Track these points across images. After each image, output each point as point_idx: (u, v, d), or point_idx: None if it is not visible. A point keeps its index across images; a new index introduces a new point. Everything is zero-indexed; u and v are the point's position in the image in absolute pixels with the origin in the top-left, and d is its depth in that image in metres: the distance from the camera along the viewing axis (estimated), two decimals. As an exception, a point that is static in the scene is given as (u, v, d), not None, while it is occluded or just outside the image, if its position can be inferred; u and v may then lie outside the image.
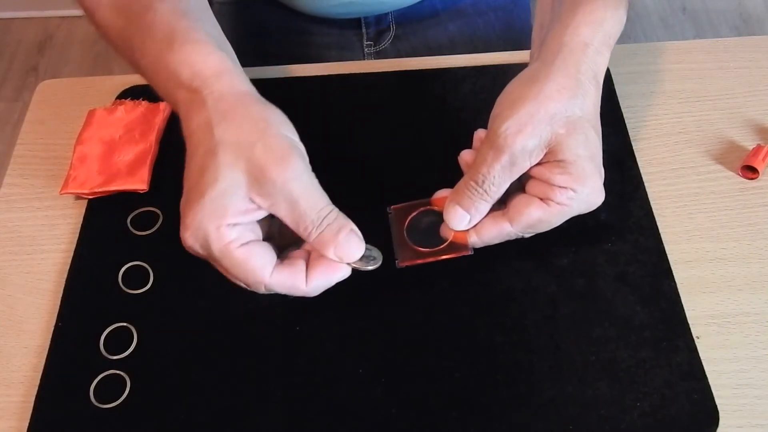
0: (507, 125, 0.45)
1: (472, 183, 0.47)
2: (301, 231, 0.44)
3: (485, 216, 0.48)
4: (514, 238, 0.49)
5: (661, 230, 0.54)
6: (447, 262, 0.51)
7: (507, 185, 0.47)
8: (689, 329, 0.49)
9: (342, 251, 0.44)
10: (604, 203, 0.54)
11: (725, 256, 0.53)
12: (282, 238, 0.47)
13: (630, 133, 0.59)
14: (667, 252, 0.53)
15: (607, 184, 0.56)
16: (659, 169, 0.58)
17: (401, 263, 0.50)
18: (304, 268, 0.45)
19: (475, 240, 0.49)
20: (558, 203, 0.46)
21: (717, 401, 0.46)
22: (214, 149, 0.43)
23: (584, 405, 0.47)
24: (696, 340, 0.49)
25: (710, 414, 0.46)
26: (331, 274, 0.45)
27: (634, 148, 0.58)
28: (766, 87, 0.63)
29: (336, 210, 0.44)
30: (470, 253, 0.49)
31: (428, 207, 0.51)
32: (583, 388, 0.47)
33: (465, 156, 0.49)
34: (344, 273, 0.45)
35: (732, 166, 0.58)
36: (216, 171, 0.43)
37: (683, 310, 0.50)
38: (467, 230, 0.49)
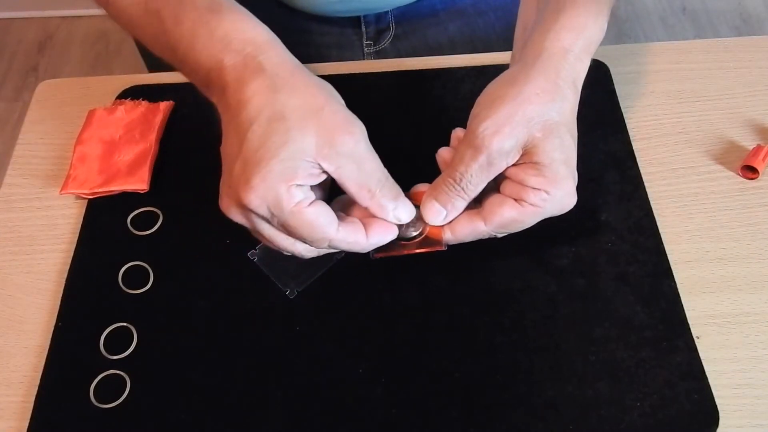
0: (485, 126, 0.45)
1: (450, 180, 0.48)
2: (363, 193, 0.46)
3: (460, 214, 0.49)
4: (487, 237, 0.49)
5: (661, 230, 0.54)
6: (447, 262, 0.51)
7: (484, 184, 0.48)
8: (689, 329, 0.49)
9: (399, 213, 0.48)
10: (604, 203, 0.54)
11: (725, 256, 0.53)
12: None
13: (630, 133, 0.59)
14: (667, 252, 0.53)
15: (607, 184, 0.56)
16: (659, 169, 0.58)
17: (376, 254, 0.50)
18: (362, 226, 0.48)
19: (449, 237, 0.49)
20: (531, 204, 0.47)
21: (717, 401, 0.47)
22: (281, 112, 0.44)
23: (584, 405, 0.47)
24: (696, 340, 0.49)
25: (710, 414, 0.46)
26: (386, 232, 0.48)
27: (634, 148, 0.58)
28: (766, 87, 0.63)
29: (388, 173, 0.48)
30: (444, 248, 0.49)
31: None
32: (583, 388, 0.47)
33: (443, 153, 0.50)
34: (395, 233, 0.49)
35: (732, 166, 0.58)
36: (286, 134, 0.44)
37: (683, 310, 0.50)
38: (442, 226, 0.49)
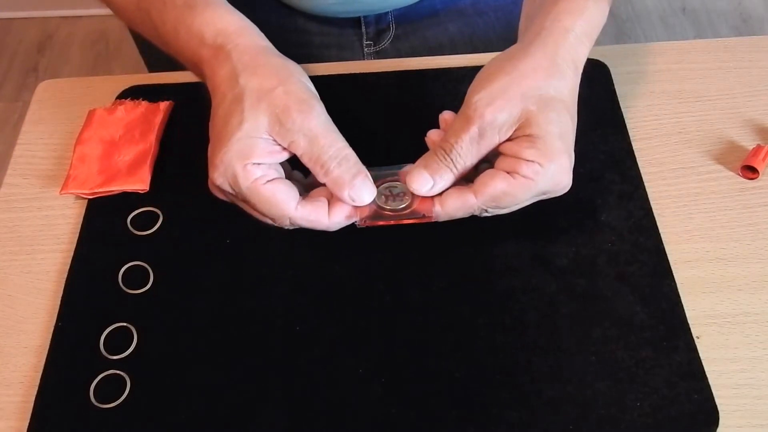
0: (478, 97, 0.46)
1: (441, 150, 0.48)
2: (318, 168, 0.47)
3: (450, 187, 0.49)
4: (478, 213, 0.49)
5: (661, 230, 0.54)
6: (447, 262, 0.51)
7: (474, 159, 0.48)
8: (689, 329, 0.49)
9: (356, 193, 0.48)
10: (604, 203, 0.54)
11: (725, 256, 0.53)
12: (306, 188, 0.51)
13: (630, 133, 0.59)
14: (667, 252, 0.53)
15: (607, 184, 0.56)
16: (659, 169, 0.58)
17: (361, 223, 0.50)
18: (326, 204, 0.48)
19: (438, 210, 0.49)
20: (523, 176, 0.46)
21: (717, 401, 0.46)
22: (239, 95, 0.47)
23: (584, 405, 0.47)
24: (696, 340, 0.49)
25: (710, 414, 0.46)
26: (350, 213, 0.49)
27: (634, 148, 0.58)
28: (766, 87, 0.63)
29: (354, 153, 0.48)
30: (432, 219, 0.49)
31: (395, 179, 0.51)
32: (583, 388, 0.47)
33: (432, 135, 0.51)
34: (358, 215, 0.49)
35: (732, 166, 0.58)
36: (241, 114, 0.46)
37: (683, 310, 0.50)
38: (432, 199, 0.49)
